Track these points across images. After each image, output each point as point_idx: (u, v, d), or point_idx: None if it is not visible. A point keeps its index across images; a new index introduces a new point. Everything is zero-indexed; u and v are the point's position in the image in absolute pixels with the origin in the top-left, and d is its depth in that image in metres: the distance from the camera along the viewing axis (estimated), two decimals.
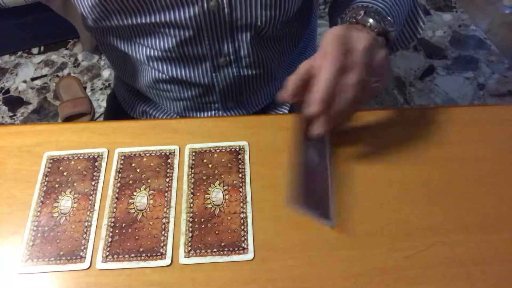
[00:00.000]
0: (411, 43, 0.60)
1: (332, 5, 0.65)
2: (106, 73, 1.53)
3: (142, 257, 0.40)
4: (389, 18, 0.48)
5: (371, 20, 0.46)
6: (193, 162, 0.46)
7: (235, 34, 0.54)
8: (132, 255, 0.40)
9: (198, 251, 0.40)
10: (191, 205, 0.43)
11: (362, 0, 0.50)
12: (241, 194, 0.44)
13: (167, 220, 0.42)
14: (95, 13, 0.50)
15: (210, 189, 0.44)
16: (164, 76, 0.59)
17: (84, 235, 0.41)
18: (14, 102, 1.46)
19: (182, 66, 0.58)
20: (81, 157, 0.47)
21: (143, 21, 0.51)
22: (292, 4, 0.54)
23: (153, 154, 0.47)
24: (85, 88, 1.48)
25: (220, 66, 0.58)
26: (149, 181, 0.45)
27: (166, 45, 0.54)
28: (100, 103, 1.45)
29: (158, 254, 0.40)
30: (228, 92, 0.63)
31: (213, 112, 0.67)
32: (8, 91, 1.49)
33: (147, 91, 0.66)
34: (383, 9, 0.50)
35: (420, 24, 0.59)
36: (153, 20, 0.51)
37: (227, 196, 0.44)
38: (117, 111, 0.75)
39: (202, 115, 0.67)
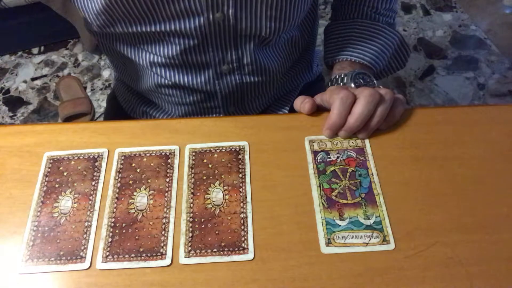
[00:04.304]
0: (398, 71, 0.68)
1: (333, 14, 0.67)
2: (106, 73, 1.53)
3: (142, 257, 0.40)
4: (372, 78, 0.55)
5: (352, 85, 0.53)
6: (193, 162, 0.46)
7: (238, 43, 0.55)
8: (132, 255, 0.40)
9: (198, 251, 0.40)
10: (191, 205, 0.43)
11: (351, 53, 0.60)
12: (241, 194, 0.44)
13: (167, 220, 0.42)
14: (100, 20, 0.50)
15: (210, 189, 0.44)
16: (166, 81, 0.59)
17: (84, 235, 0.41)
18: (14, 102, 1.46)
19: (185, 72, 0.58)
20: (81, 157, 0.47)
21: (148, 29, 0.51)
22: (297, 16, 0.54)
23: (153, 154, 0.47)
24: (85, 88, 1.48)
25: (223, 73, 0.58)
26: (149, 181, 0.45)
27: (170, 52, 0.54)
28: (100, 103, 1.45)
29: (158, 254, 0.40)
30: (230, 98, 0.63)
31: (214, 115, 0.67)
32: (8, 91, 1.49)
33: (149, 94, 0.66)
34: (369, 62, 0.59)
35: (407, 57, 0.66)
36: (158, 29, 0.51)
37: (227, 196, 0.44)
38: (117, 111, 0.75)
39: None
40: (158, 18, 0.49)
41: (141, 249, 0.40)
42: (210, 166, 0.46)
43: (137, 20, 0.50)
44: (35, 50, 1.60)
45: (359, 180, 0.45)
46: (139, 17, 0.49)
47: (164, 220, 0.42)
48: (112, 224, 0.42)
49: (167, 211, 0.43)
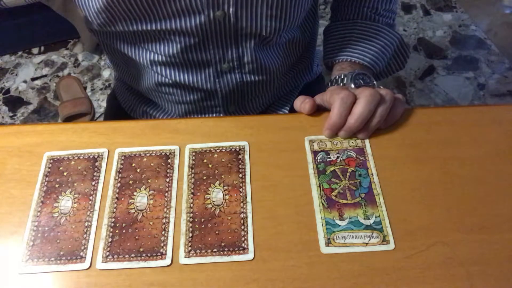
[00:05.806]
0: (397, 72, 0.68)
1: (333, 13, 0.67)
2: (106, 73, 1.53)
3: (142, 257, 0.40)
4: (372, 79, 0.54)
5: (352, 85, 0.52)
6: (193, 162, 0.46)
7: (239, 41, 0.55)
8: (132, 255, 0.40)
9: (198, 251, 0.40)
10: (191, 205, 0.43)
11: (351, 53, 0.60)
12: (241, 194, 0.44)
13: (167, 220, 0.42)
14: (100, 18, 0.50)
15: (210, 189, 0.44)
16: (167, 80, 0.59)
17: (84, 235, 0.41)
18: (14, 102, 1.46)
19: (185, 71, 0.58)
20: (81, 157, 0.47)
21: (149, 28, 0.51)
22: (297, 16, 0.54)
23: (153, 154, 0.47)
24: (85, 88, 1.48)
25: (223, 71, 0.58)
26: (149, 181, 0.45)
27: (170, 50, 0.54)
28: (100, 103, 1.45)
29: (158, 254, 0.40)
30: (231, 97, 0.63)
31: (214, 115, 0.67)
32: (8, 91, 1.49)
33: (149, 93, 0.66)
34: (369, 62, 0.59)
35: (406, 58, 0.66)
36: (158, 27, 0.51)
37: (227, 196, 0.44)
38: (117, 111, 0.75)
39: None
40: (158, 16, 0.49)
41: (141, 249, 0.40)
42: (210, 166, 0.46)
43: (138, 19, 0.50)
44: (35, 50, 1.60)
45: (359, 180, 0.45)
46: (139, 15, 0.49)
47: (164, 220, 0.42)
48: (112, 224, 0.42)
49: (167, 211, 0.43)
